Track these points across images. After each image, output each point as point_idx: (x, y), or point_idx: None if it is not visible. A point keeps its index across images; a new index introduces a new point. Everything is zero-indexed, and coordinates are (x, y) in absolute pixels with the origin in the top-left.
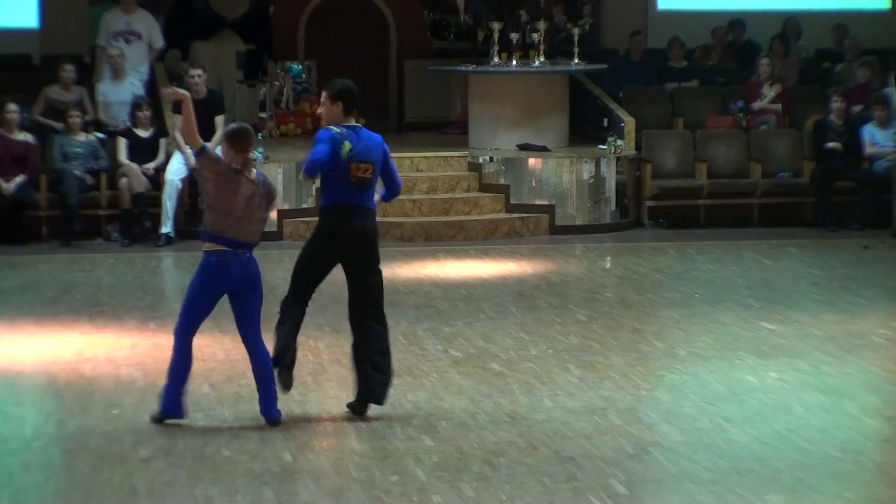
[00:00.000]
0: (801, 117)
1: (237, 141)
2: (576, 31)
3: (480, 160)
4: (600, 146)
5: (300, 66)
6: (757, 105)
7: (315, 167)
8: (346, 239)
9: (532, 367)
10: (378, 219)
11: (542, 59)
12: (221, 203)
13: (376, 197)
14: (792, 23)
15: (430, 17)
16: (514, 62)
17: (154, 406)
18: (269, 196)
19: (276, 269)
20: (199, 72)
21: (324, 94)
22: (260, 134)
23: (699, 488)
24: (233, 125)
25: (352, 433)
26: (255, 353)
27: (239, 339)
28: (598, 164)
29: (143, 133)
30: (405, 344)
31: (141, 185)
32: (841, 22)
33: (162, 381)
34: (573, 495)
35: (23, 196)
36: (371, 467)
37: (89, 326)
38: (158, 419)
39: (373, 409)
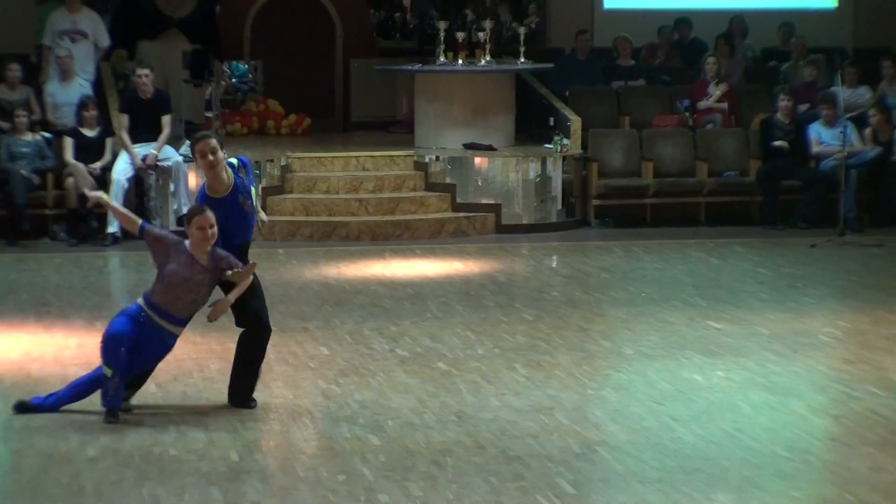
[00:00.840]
0: (747, 116)
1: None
2: (522, 30)
3: (426, 159)
4: (546, 145)
5: (246, 66)
6: (703, 104)
7: None
8: None
9: (479, 366)
10: (324, 217)
11: (487, 58)
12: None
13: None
14: (738, 21)
15: (375, 17)
16: (460, 61)
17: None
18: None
19: None
20: (145, 71)
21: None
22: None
23: (646, 487)
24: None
25: (298, 433)
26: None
27: (185, 339)
28: (544, 164)
29: (90, 132)
30: (351, 343)
31: (87, 184)
32: (787, 21)
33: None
34: (521, 494)
35: None
36: (318, 467)
37: (36, 326)
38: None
39: (319, 408)
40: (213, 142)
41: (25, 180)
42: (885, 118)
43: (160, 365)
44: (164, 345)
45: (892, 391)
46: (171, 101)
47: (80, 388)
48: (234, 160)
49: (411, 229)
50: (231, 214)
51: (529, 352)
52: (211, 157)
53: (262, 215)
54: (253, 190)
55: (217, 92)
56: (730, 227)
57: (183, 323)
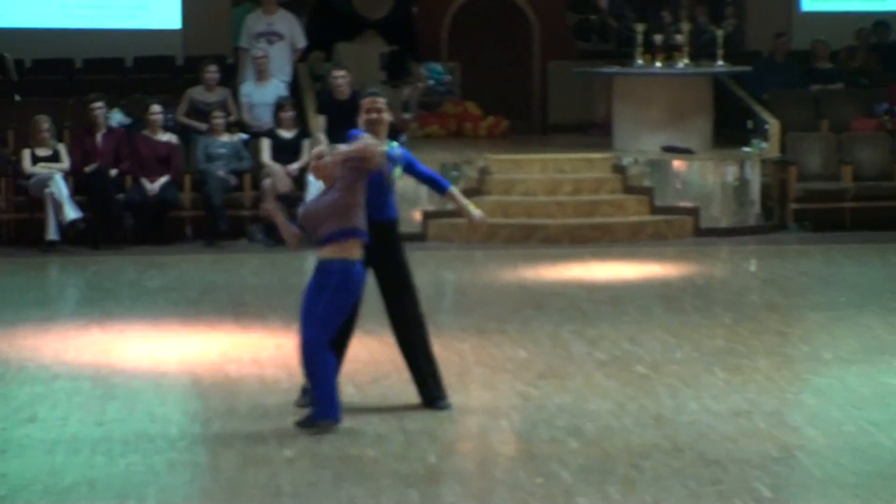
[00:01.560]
0: None
1: None
2: (719, 33)
3: (624, 162)
4: (744, 148)
5: (444, 67)
6: None
7: None
8: None
9: (677, 369)
10: (523, 220)
11: (685, 60)
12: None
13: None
14: None
15: (573, 19)
16: (658, 64)
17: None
18: None
19: (420, 271)
20: (342, 73)
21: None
22: (403, 135)
23: (844, 492)
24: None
25: (496, 435)
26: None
27: (385, 340)
28: (742, 167)
29: (287, 134)
30: (550, 346)
31: (285, 185)
32: None
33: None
34: (718, 498)
35: (167, 196)
36: (516, 469)
37: (234, 327)
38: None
39: (517, 411)
40: (381, 101)
41: (222, 181)
42: None
43: (358, 366)
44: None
45: None
46: None
47: None
48: (396, 145)
49: (610, 232)
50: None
51: (728, 355)
52: (374, 115)
53: (474, 212)
54: (398, 169)
55: (414, 93)
56: None
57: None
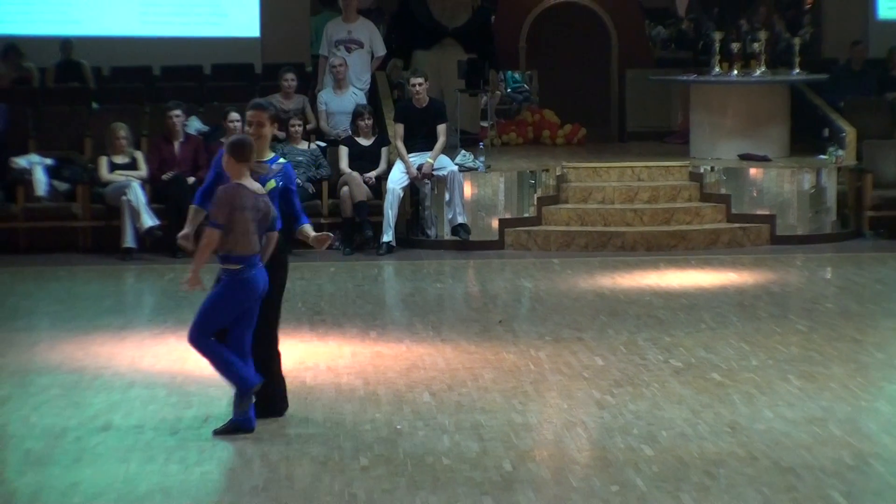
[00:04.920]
0: None
1: (238, 151)
2: (796, 41)
3: (702, 170)
4: (821, 156)
5: (522, 76)
6: None
7: None
8: None
9: (752, 377)
10: (600, 227)
11: (762, 68)
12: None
13: None
14: None
15: (650, 27)
16: (735, 72)
17: (375, 414)
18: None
19: (497, 279)
20: (420, 80)
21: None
22: (481, 143)
23: None
24: (234, 136)
25: (572, 442)
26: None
27: (460, 348)
28: (818, 175)
29: (365, 142)
30: (626, 354)
31: (362, 193)
32: None
33: (383, 389)
34: None
35: None
36: (591, 476)
37: (310, 334)
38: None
39: (593, 418)
40: (264, 114)
41: (300, 189)
42: None
43: (434, 374)
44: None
45: None
46: (446, 110)
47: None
48: (282, 160)
49: (686, 240)
50: None
51: (803, 363)
52: (252, 129)
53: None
54: (272, 182)
55: (492, 101)
56: None
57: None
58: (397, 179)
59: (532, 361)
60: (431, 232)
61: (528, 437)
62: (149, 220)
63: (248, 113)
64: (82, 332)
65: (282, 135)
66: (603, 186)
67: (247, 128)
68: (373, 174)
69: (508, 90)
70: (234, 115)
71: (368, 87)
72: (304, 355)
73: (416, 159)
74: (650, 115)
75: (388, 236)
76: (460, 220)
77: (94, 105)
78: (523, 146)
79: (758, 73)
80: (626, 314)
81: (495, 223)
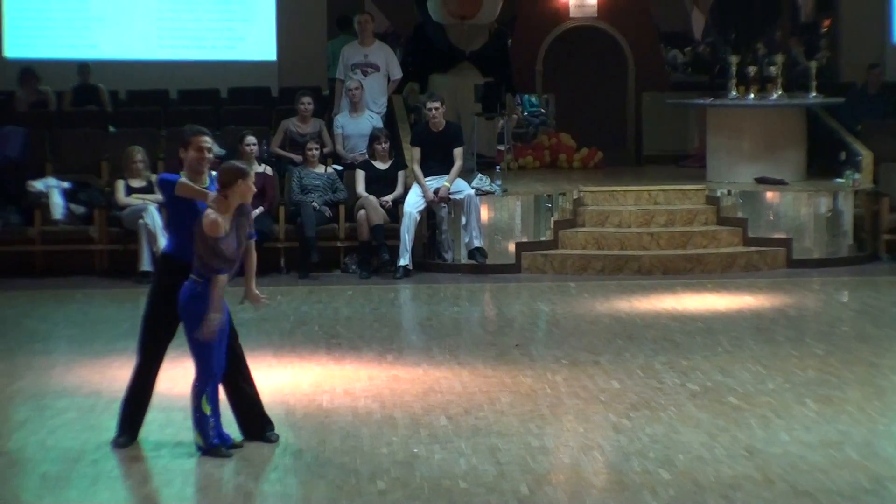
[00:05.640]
0: None
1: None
2: (813, 65)
3: (718, 193)
4: (837, 180)
5: (538, 99)
6: None
7: None
8: None
9: (769, 400)
10: (616, 251)
11: (779, 92)
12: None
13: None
14: None
15: (667, 50)
16: (752, 95)
17: (392, 438)
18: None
19: (514, 302)
20: (436, 104)
21: None
22: (498, 167)
23: None
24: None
25: (588, 466)
26: None
27: (477, 371)
28: (835, 198)
29: (381, 165)
30: (642, 377)
31: (379, 217)
32: None
33: (400, 412)
34: None
35: (261, 228)
36: (608, 500)
37: (327, 358)
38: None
39: (610, 442)
40: (209, 140)
41: (317, 213)
42: None
43: (450, 398)
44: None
45: None
46: (462, 133)
47: None
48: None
49: (703, 263)
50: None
51: (820, 386)
52: (206, 154)
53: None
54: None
55: (509, 125)
56: None
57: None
58: (414, 203)
59: (549, 385)
60: (448, 255)
61: (545, 460)
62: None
63: (196, 139)
64: (99, 356)
65: (298, 158)
66: (619, 210)
67: (198, 153)
68: (389, 198)
69: (525, 114)
70: (251, 139)
71: (385, 110)
72: (320, 379)
73: (432, 183)
74: (666, 139)
75: (404, 260)
76: (477, 243)
77: (111, 128)
78: (540, 170)
79: (774, 96)
80: (643, 338)
81: (512, 247)
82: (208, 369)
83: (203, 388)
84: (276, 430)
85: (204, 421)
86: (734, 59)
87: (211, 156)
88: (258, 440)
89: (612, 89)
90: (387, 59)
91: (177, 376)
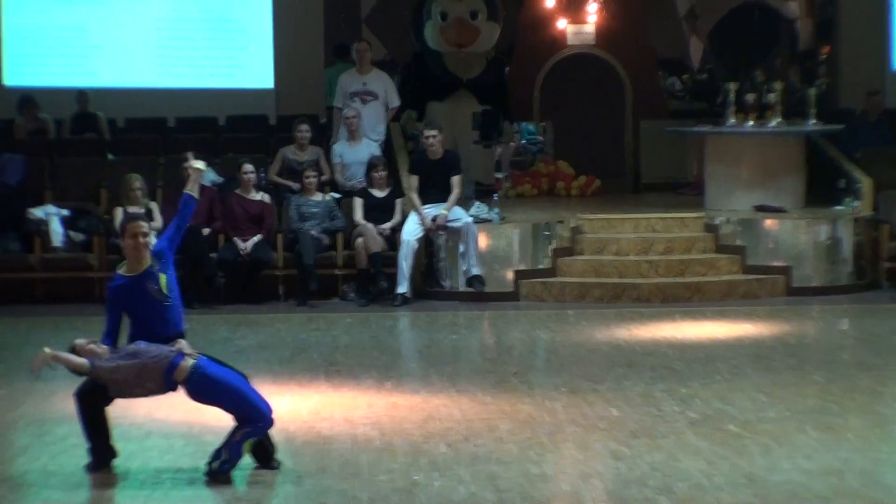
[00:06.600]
0: None
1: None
2: (811, 92)
3: (717, 221)
4: (837, 207)
5: (536, 127)
6: None
7: None
8: None
9: (769, 428)
10: (615, 279)
11: (778, 119)
12: None
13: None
14: None
15: (664, 77)
16: (751, 122)
17: (392, 465)
18: None
19: (513, 330)
20: (433, 132)
21: None
22: (496, 194)
23: None
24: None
25: (588, 493)
26: None
27: (476, 399)
28: (834, 226)
29: (379, 193)
30: (642, 405)
31: (377, 245)
32: None
33: (399, 440)
34: None
35: (259, 255)
36: None
37: (326, 385)
38: None
39: (610, 470)
40: (145, 226)
41: (315, 240)
42: None
43: (449, 425)
44: None
45: None
46: (460, 161)
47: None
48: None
49: (701, 291)
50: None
51: (820, 414)
52: (142, 240)
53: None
54: (163, 277)
55: (507, 153)
56: None
57: None
58: (412, 231)
59: (548, 412)
60: (446, 283)
61: (545, 487)
62: None
63: (131, 226)
64: None
65: (296, 186)
66: (618, 238)
67: (131, 240)
68: (387, 226)
69: (523, 141)
70: (248, 167)
71: (383, 138)
72: (319, 406)
73: (430, 211)
74: (665, 166)
75: (402, 287)
76: (475, 271)
77: (110, 156)
78: (538, 197)
79: (773, 123)
80: (642, 365)
81: (510, 275)
82: (259, 414)
83: (257, 434)
84: (277, 457)
85: (236, 461)
86: (733, 87)
87: (147, 240)
88: (264, 467)
89: (610, 117)
90: (385, 87)
91: (176, 402)
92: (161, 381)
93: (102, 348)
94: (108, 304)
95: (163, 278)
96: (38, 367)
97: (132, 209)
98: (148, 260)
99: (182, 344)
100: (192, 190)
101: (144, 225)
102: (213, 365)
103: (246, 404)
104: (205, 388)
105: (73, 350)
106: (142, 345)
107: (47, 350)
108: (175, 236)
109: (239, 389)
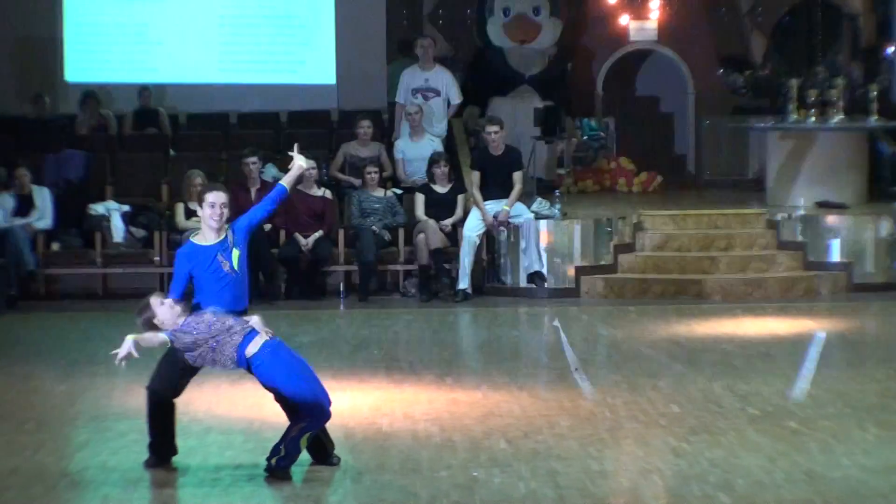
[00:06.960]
0: None
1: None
2: (873, 88)
3: (778, 217)
4: None
5: (598, 123)
6: None
7: None
8: None
9: (829, 425)
10: (676, 275)
11: (839, 115)
12: None
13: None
14: None
15: (726, 74)
16: (812, 119)
17: (451, 461)
18: None
19: (573, 327)
20: (495, 128)
21: None
22: (557, 190)
23: None
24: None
25: (648, 490)
26: None
27: (536, 395)
28: None
29: (441, 189)
30: (702, 401)
31: (438, 241)
32: None
33: (459, 436)
34: None
35: (320, 252)
36: None
37: (386, 381)
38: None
39: (670, 466)
40: (225, 196)
41: (376, 237)
42: None
43: (510, 421)
44: None
45: None
46: (522, 157)
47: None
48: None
49: (762, 288)
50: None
51: (880, 411)
52: (220, 210)
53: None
54: (237, 252)
55: (568, 149)
56: None
57: None
58: (473, 227)
59: (608, 409)
60: (507, 279)
61: (605, 484)
62: None
63: (219, 193)
64: None
65: (358, 182)
66: (679, 234)
67: (211, 209)
68: (449, 221)
69: (584, 137)
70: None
71: (445, 134)
72: (380, 402)
73: (492, 206)
74: (726, 163)
75: (463, 283)
76: (536, 267)
77: (171, 152)
78: (599, 193)
79: (835, 120)
80: (702, 362)
81: (571, 271)
82: (317, 404)
83: (314, 428)
84: (337, 453)
85: (295, 456)
86: (794, 83)
87: (225, 210)
88: (322, 463)
89: (672, 113)
90: (447, 84)
91: (236, 398)
92: (234, 354)
93: (179, 306)
94: (175, 266)
95: (235, 253)
96: (124, 356)
97: (193, 206)
98: (224, 232)
99: (256, 320)
100: (287, 183)
101: (224, 195)
102: (285, 347)
103: (308, 391)
104: (272, 367)
105: (149, 321)
106: (218, 313)
107: (130, 337)
108: (256, 216)
109: (303, 376)
